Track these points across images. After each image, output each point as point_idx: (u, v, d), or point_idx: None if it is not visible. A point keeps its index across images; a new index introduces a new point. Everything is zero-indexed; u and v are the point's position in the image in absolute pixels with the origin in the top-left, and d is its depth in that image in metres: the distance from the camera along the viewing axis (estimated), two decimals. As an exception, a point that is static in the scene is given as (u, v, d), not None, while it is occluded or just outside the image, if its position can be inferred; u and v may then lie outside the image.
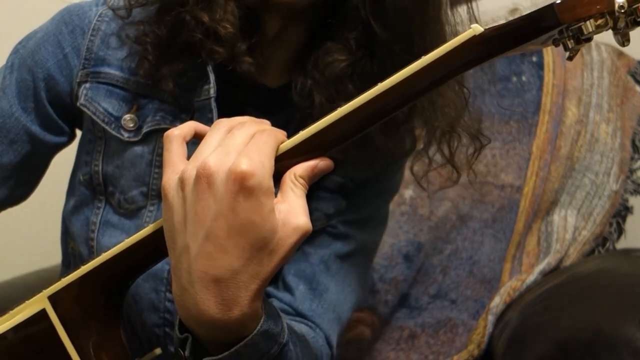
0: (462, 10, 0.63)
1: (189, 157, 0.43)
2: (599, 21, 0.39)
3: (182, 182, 0.41)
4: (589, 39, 0.40)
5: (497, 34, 0.41)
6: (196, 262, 0.40)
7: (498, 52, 0.41)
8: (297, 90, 0.62)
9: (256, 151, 0.40)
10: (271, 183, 0.40)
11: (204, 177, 0.39)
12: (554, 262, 0.97)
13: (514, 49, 0.41)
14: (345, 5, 0.59)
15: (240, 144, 0.41)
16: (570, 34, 0.40)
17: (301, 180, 0.42)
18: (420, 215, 1.12)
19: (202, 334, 0.43)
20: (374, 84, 0.62)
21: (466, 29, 0.63)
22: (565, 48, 0.41)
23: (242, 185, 0.38)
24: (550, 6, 0.39)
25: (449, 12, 0.61)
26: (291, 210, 0.41)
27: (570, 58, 0.42)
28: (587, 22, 0.39)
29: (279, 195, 0.42)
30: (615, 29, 0.39)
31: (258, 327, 0.43)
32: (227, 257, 0.39)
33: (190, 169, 0.40)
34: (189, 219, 0.40)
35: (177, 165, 0.43)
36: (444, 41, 0.60)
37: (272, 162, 0.41)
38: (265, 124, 0.45)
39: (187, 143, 0.46)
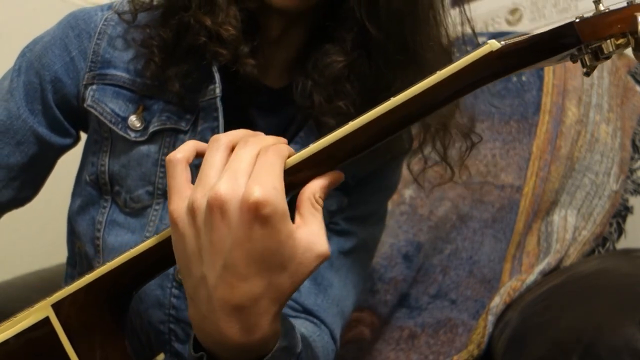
0: (457, 12, 0.64)
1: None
2: (620, 40, 0.38)
3: (192, 211, 0.40)
4: (608, 57, 0.40)
5: (515, 50, 0.40)
6: (216, 291, 0.39)
7: (515, 67, 0.41)
8: (298, 91, 0.63)
9: (265, 174, 0.39)
10: (285, 206, 0.39)
11: (216, 207, 0.38)
12: (554, 262, 0.97)
13: (531, 65, 0.41)
14: (342, 7, 0.60)
15: (247, 167, 0.40)
16: (589, 51, 0.40)
17: (320, 201, 0.42)
18: (420, 215, 1.12)
19: (222, 355, 0.42)
20: (370, 83, 0.62)
21: (457, 30, 0.64)
22: (583, 64, 0.41)
23: (256, 215, 0.37)
24: (571, 24, 0.39)
25: (442, 13, 0.62)
26: (312, 237, 0.40)
27: (587, 74, 0.42)
28: (608, 41, 0.38)
29: (297, 218, 0.41)
30: (636, 49, 0.38)
31: (277, 344, 0.43)
32: (247, 285, 0.39)
33: (200, 197, 0.40)
34: (204, 249, 0.39)
35: (183, 191, 0.42)
36: (436, 41, 0.61)
37: (282, 183, 0.40)
38: (260, 135, 0.44)
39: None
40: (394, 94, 0.42)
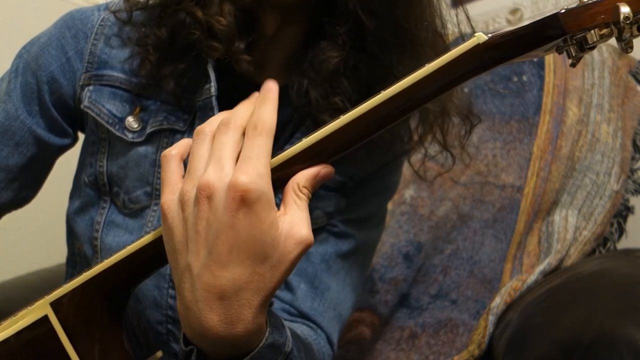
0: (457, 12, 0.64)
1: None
2: (604, 30, 0.39)
3: (182, 203, 0.41)
4: (593, 47, 0.41)
5: (501, 42, 0.41)
6: (199, 280, 0.40)
7: (502, 60, 0.42)
8: (295, 90, 0.63)
9: (250, 162, 0.40)
10: (271, 194, 0.40)
11: (204, 196, 0.39)
12: (554, 262, 0.97)
13: (518, 57, 0.42)
14: (337, 0, 0.60)
15: (231, 153, 0.41)
16: (575, 42, 0.40)
17: (305, 191, 0.42)
18: (420, 215, 1.12)
19: (207, 349, 0.43)
20: (366, 78, 0.62)
21: (457, 30, 0.64)
22: (569, 55, 0.42)
23: (241, 202, 0.38)
24: (555, 15, 0.40)
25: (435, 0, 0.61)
26: (293, 224, 0.41)
27: (573, 65, 0.43)
28: (592, 32, 0.39)
29: (281, 207, 0.42)
30: (619, 39, 0.39)
31: (263, 341, 0.43)
32: (229, 274, 0.39)
33: (190, 189, 0.41)
34: (190, 238, 0.40)
35: (175, 184, 0.43)
36: (430, 23, 0.61)
37: (269, 169, 0.41)
38: (237, 113, 0.44)
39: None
40: (390, 86, 0.42)
